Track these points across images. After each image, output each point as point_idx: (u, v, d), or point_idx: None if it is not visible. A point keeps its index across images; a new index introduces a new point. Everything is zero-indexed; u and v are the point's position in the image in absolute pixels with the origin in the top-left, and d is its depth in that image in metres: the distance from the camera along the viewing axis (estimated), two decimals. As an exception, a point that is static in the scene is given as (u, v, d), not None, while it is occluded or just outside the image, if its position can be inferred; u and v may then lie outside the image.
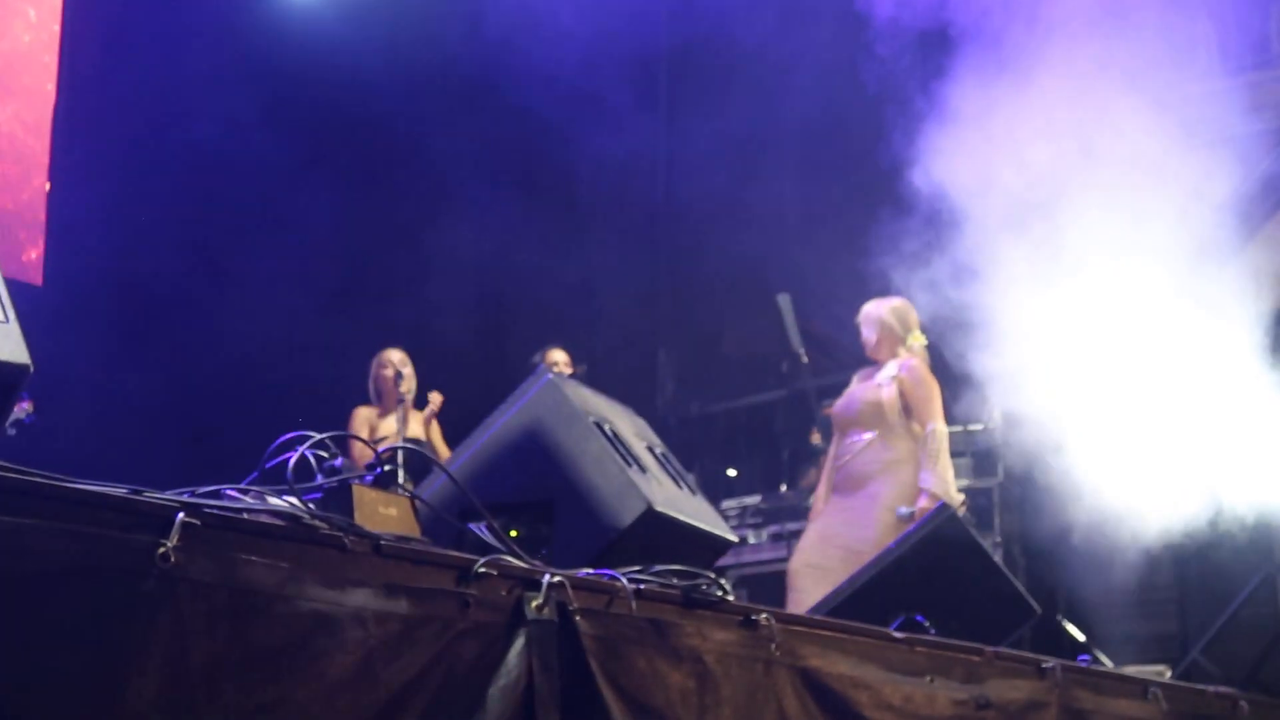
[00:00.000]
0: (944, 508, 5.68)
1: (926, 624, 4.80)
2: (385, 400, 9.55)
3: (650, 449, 4.60)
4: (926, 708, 3.91)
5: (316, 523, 2.69)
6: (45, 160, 10.23)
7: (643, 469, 4.28)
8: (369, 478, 3.16)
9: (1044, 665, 4.50)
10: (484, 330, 12.57)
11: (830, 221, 11.43)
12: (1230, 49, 10.49)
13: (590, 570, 3.23)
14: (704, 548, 4.53)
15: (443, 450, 9.24)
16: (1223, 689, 5.81)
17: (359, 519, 2.93)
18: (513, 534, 3.76)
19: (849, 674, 3.64)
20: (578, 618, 2.96)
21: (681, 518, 4.28)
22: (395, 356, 9.62)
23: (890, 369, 8.20)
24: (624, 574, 3.20)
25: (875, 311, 8.33)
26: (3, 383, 2.68)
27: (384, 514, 3.09)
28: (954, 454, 9.71)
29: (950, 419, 9.69)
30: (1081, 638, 9.49)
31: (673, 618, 3.25)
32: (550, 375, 4.37)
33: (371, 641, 2.61)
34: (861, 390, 8.23)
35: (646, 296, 13.36)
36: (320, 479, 3.03)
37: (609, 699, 2.93)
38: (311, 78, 11.51)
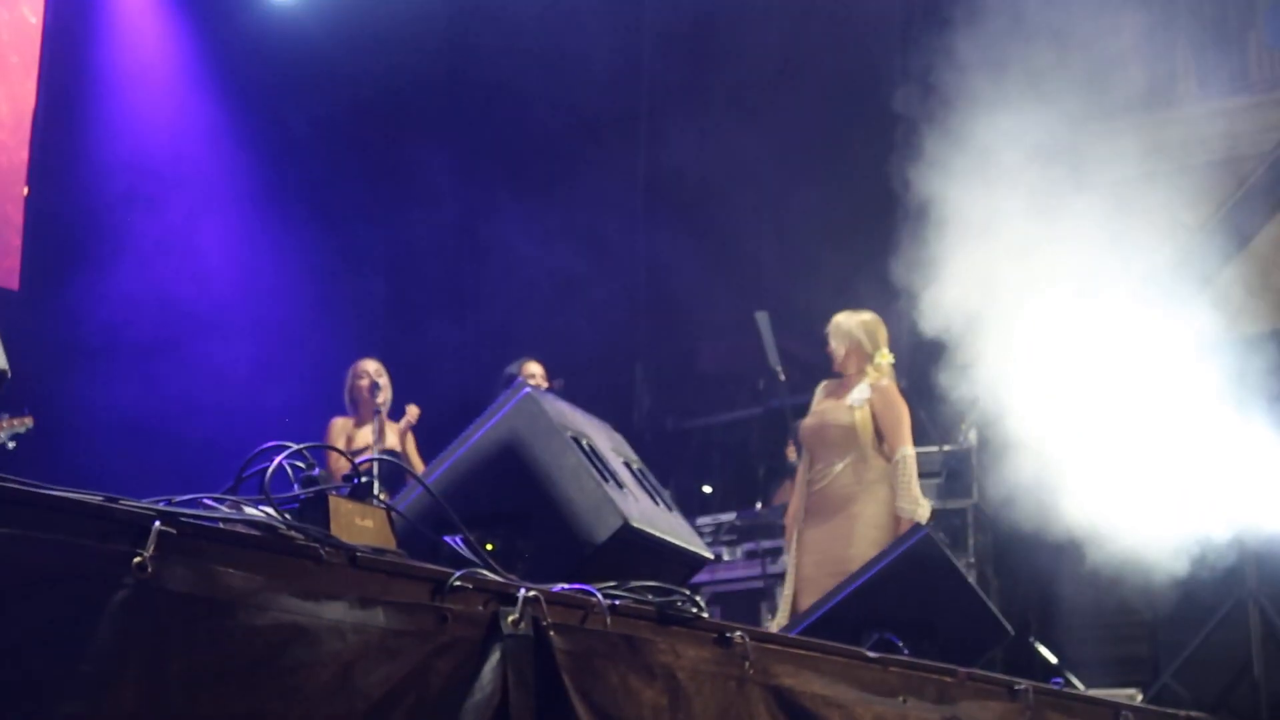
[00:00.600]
0: (918, 528, 5.69)
1: (900, 644, 4.81)
2: (361, 411, 9.53)
3: (627, 464, 4.60)
4: (899, 728, 3.92)
5: (292, 533, 2.68)
6: (24, 165, 10.21)
7: (619, 484, 4.27)
8: (345, 489, 3.16)
9: (1016, 687, 4.51)
10: (460, 344, 12.56)
11: (810, 239, 11.44)
12: (1209, 77, 10.54)
13: (565, 585, 3.22)
14: (679, 564, 4.52)
15: (418, 463, 9.23)
16: (1194, 713, 5.83)
17: (335, 530, 2.92)
18: (488, 547, 3.75)
19: (822, 693, 3.64)
20: (552, 633, 2.96)
21: (657, 534, 4.28)
22: (371, 367, 9.61)
23: (862, 390, 8.16)
24: (599, 589, 3.20)
25: (846, 324, 8.32)
26: (-19, 388, 2.68)
27: (360, 526, 3.09)
28: (929, 474, 9.74)
29: (926, 439, 9.72)
30: (1053, 660, 9.50)
31: (647, 634, 3.25)
32: (528, 389, 4.36)
33: (347, 654, 2.61)
34: (833, 412, 8.19)
35: (623, 311, 13.36)
36: (297, 489, 3.03)
37: (581, 714, 2.92)
38: (290, 84, 11.50)
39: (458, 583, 2.86)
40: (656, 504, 4.57)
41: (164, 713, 2.34)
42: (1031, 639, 9.67)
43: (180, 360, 10.38)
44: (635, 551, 4.16)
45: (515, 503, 4.13)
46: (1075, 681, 8.72)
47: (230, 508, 2.78)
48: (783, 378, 9.42)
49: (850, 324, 8.29)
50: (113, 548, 2.32)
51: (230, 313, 10.87)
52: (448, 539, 3.41)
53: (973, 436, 9.70)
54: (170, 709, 2.35)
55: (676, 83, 13.32)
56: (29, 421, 8.44)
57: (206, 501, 2.78)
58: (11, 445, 8.33)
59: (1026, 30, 7.94)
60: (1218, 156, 10.01)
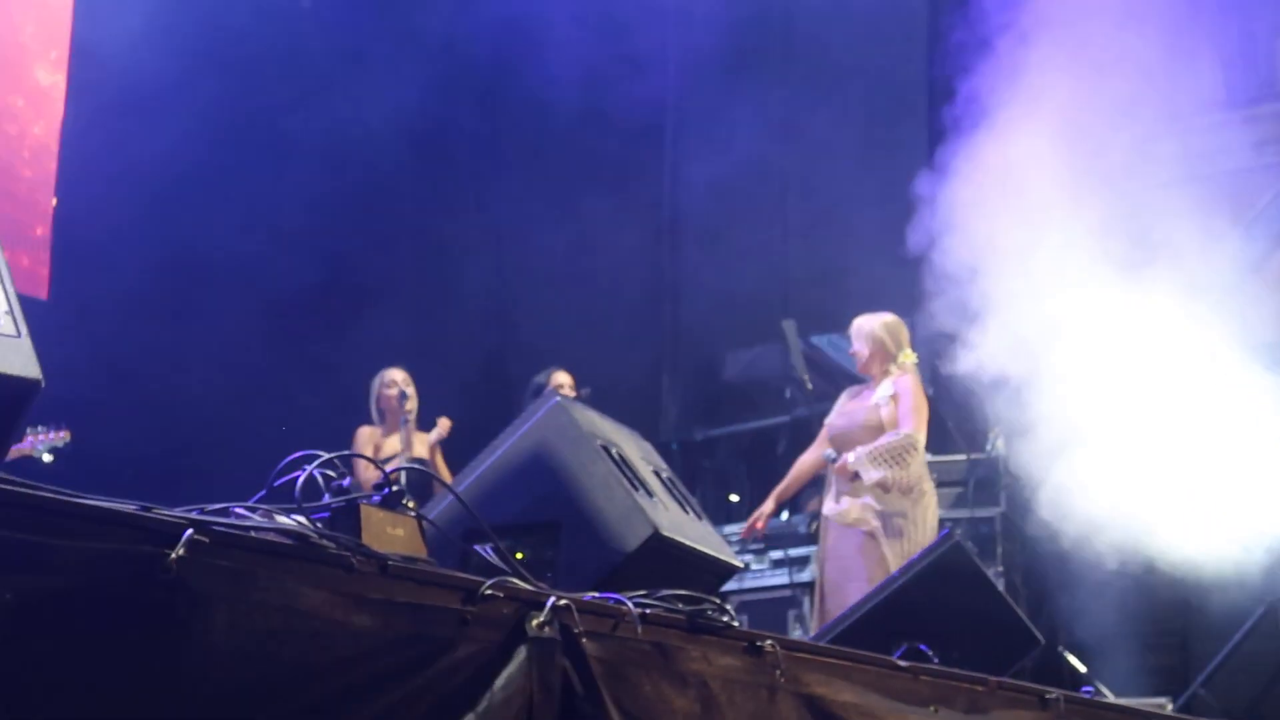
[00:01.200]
0: (948, 536, 5.67)
1: (930, 653, 4.80)
2: (389, 420, 9.54)
3: (656, 473, 4.60)
4: (930, 737, 3.91)
5: (323, 542, 2.68)
6: (53, 176, 10.24)
7: (649, 493, 4.27)
8: (376, 498, 3.16)
9: (1047, 696, 4.48)
10: (488, 354, 12.58)
11: (836, 247, 11.43)
12: (1235, 82, 10.51)
13: (595, 594, 3.22)
14: (709, 573, 4.52)
15: (446, 474, 9.23)
16: (1224, 722, 5.80)
17: (366, 539, 2.92)
18: (518, 556, 3.75)
19: (853, 702, 3.63)
20: (583, 640, 2.96)
21: (687, 542, 4.28)
22: (399, 376, 9.62)
23: (886, 388, 8.21)
24: (629, 598, 3.19)
25: (868, 326, 8.34)
26: (14, 397, 2.68)
27: (391, 534, 3.09)
28: (956, 483, 9.73)
29: (953, 447, 9.70)
30: (1083, 669, 9.46)
31: (678, 642, 3.24)
32: (558, 398, 4.37)
33: (376, 661, 2.61)
34: (860, 411, 8.23)
35: (650, 321, 13.36)
36: (328, 498, 3.03)
37: (616, 721, 2.92)
38: (313, 89, 11.52)
39: (488, 591, 2.86)
40: (686, 512, 4.57)
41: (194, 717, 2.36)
42: (1061, 648, 9.63)
43: (208, 368, 10.40)
44: (665, 560, 4.15)
45: (545, 511, 4.13)
46: (1105, 691, 8.68)
47: (262, 516, 2.78)
48: (809, 386, 9.43)
49: (873, 325, 8.32)
50: (146, 555, 2.33)
51: (259, 321, 10.88)
52: (478, 547, 3.40)
53: (1001, 445, 9.68)
54: (200, 716, 2.36)
55: (702, 91, 13.32)
56: (66, 436, 8.48)
57: (238, 510, 2.79)
58: (49, 459, 8.37)
59: (1055, 37, 7.92)
60: (1252, 163, 9.98)
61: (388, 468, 3.28)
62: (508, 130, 13.02)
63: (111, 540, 2.30)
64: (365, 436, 9.55)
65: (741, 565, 4.95)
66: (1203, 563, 7.81)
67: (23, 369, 2.66)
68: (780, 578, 10.11)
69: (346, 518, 3.02)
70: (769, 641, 3.45)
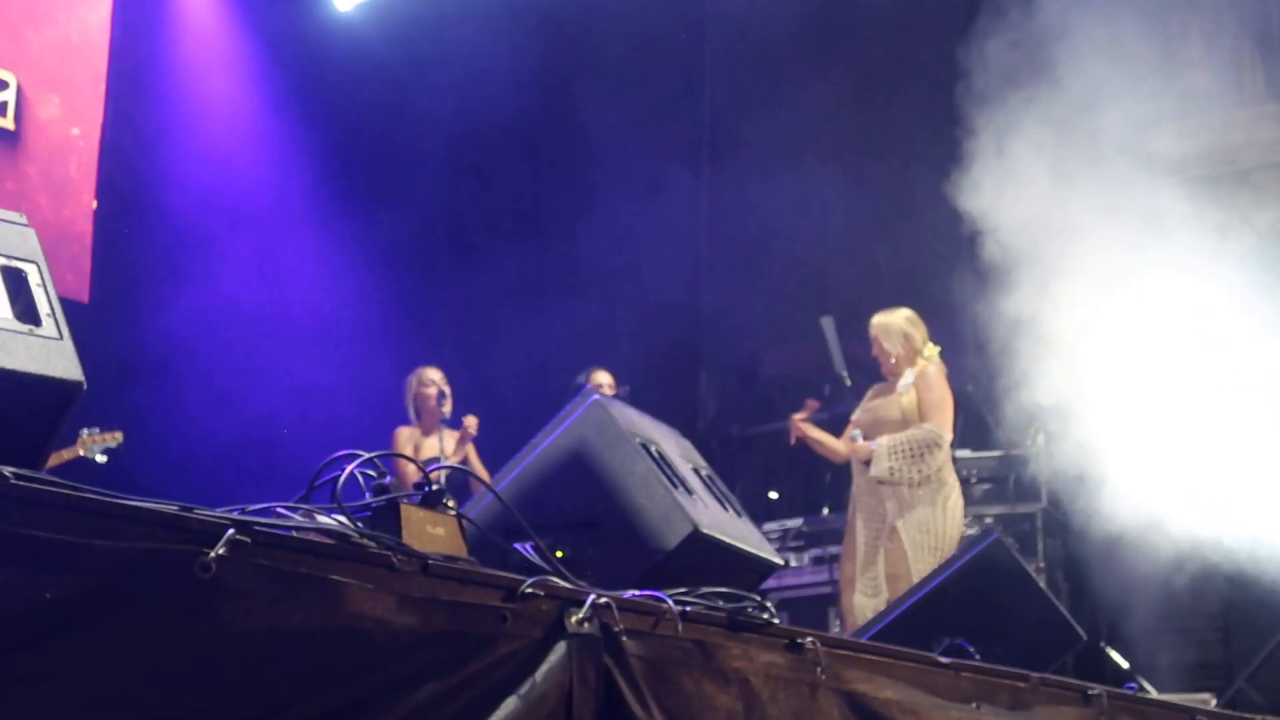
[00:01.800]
0: (988, 531, 5.66)
1: (971, 649, 4.78)
2: (426, 420, 9.56)
3: (696, 471, 4.59)
4: (972, 734, 3.90)
5: (365, 541, 2.69)
6: (93, 178, 10.30)
7: (689, 491, 4.27)
8: (416, 497, 3.17)
9: (1090, 692, 4.47)
10: (528, 352, 12.59)
11: (875, 243, 11.40)
12: (1276, 74, 10.44)
13: (636, 592, 3.22)
14: (749, 570, 4.51)
15: (480, 472, 9.25)
16: (1269, 718, 5.76)
17: (407, 538, 2.93)
18: (558, 554, 3.76)
19: (895, 699, 3.62)
20: (624, 638, 2.96)
21: (727, 540, 4.27)
22: (436, 375, 9.63)
23: (908, 377, 8.22)
24: (670, 595, 3.19)
25: (896, 324, 8.34)
26: (57, 399, 2.69)
27: (431, 533, 3.09)
28: (997, 479, 9.70)
29: (993, 444, 9.67)
30: (1125, 665, 9.42)
31: (718, 640, 3.24)
32: (597, 396, 4.36)
33: (417, 658, 2.62)
34: (884, 408, 8.24)
35: (688, 318, 13.36)
36: (369, 498, 3.04)
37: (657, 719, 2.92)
38: (360, 97, 11.56)
39: (529, 589, 2.86)
40: (726, 510, 4.56)
41: (235, 716, 2.36)
42: (1103, 644, 9.60)
43: (248, 370, 10.44)
44: (705, 558, 4.15)
45: (585, 510, 4.13)
46: (1148, 686, 8.64)
47: (303, 516, 2.79)
48: (848, 383, 9.40)
49: (898, 322, 8.34)
50: (187, 555, 2.33)
51: (299, 324, 10.93)
52: (518, 546, 3.41)
53: (1041, 441, 9.64)
54: (241, 712, 2.37)
55: (739, 90, 13.30)
56: (119, 436, 8.55)
57: (280, 510, 2.79)
58: (102, 459, 8.44)
59: (1089, 34, 7.88)
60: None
61: (431, 468, 3.28)
62: (544, 126, 13.02)
63: (152, 540, 2.30)
64: (404, 437, 9.57)
65: (781, 562, 4.94)
66: (1246, 557, 7.78)
67: (65, 371, 2.68)
68: (820, 575, 10.10)
69: (387, 517, 3.03)
70: (810, 639, 3.45)
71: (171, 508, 2.39)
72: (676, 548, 4.06)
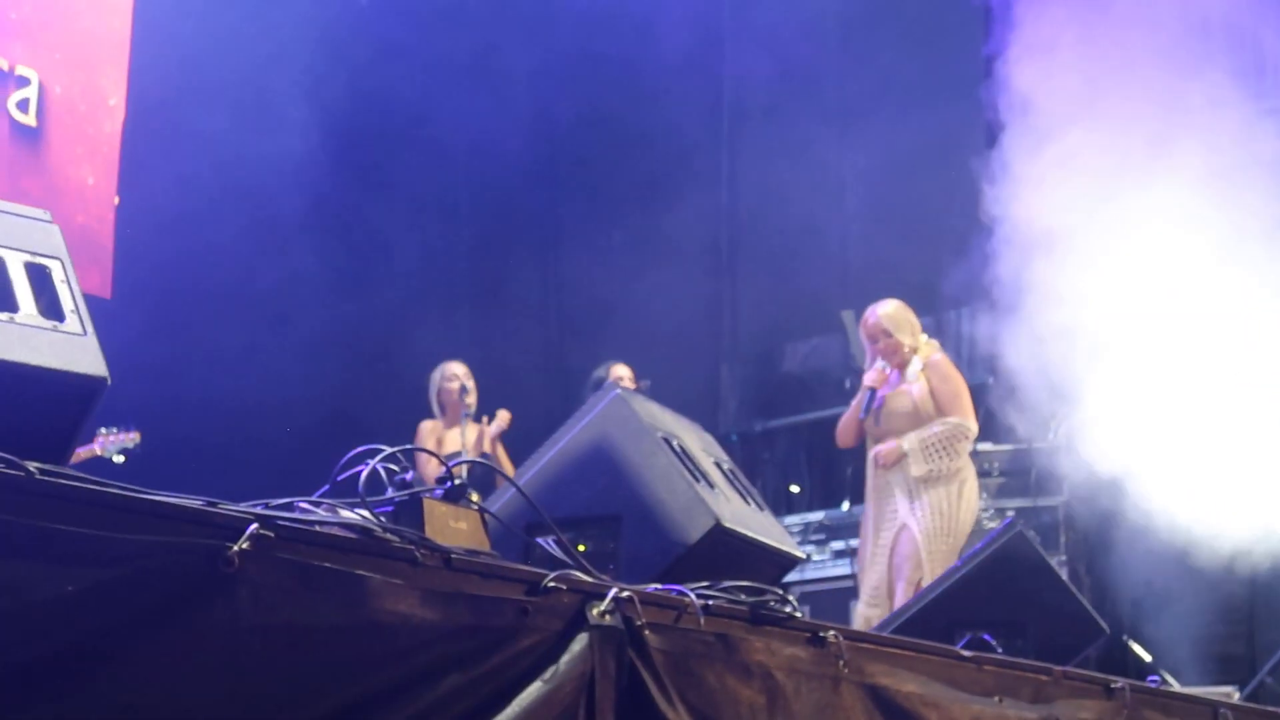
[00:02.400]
0: (1010, 525, 5.65)
1: (993, 643, 4.78)
2: (449, 413, 9.57)
3: (718, 464, 4.60)
4: (995, 727, 3.89)
5: (388, 536, 2.70)
6: (115, 175, 10.32)
7: (710, 485, 4.27)
8: (439, 491, 3.17)
9: (1113, 686, 4.46)
10: (547, 347, 12.62)
11: (896, 236, 11.39)
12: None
13: (658, 585, 3.23)
14: (771, 564, 4.51)
15: (508, 466, 9.26)
16: (1293, 711, 5.75)
17: (429, 532, 2.94)
18: (580, 549, 3.76)
19: (917, 692, 3.63)
20: (646, 632, 2.96)
21: (749, 534, 4.27)
22: (459, 369, 9.64)
23: (915, 365, 8.20)
24: (692, 589, 3.20)
25: (902, 314, 8.32)
26: (81, 395, 2.70)
27: (454, 528, 3.10)
28: (1018, 472, 9.68)
29: (1015, 436, 9.65)
30: (1148, 658, 9.41)
31: (741, 634, 3.24)
32: (618, 390, 4.37)
33: (439, 651, 2.63)
34: (894, 399, 8.22)
35: (709, 313, 13.36)
36: (391, 492, 3.05)
37: (682, 713, 2.92)
38: (382, 88, 11.57)
39: (551, 583, 2.87)
40: (748, 504, 4.57)
41: (257, 710, 2.37)
42: (1125, 637, 9.58)
43: (269, 366, 10.46)
44: (727, 552, 4.16)
45: (607, 504, 4.14)
46: (1171, 680, 8.62)
47: (326, 511, 2.80)
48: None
49: (904, 313, 8.33)
50: (211, 550, 2.34)
51: (319, 319, 10.94)
52: (540, 540, 3.42)
53: (1063, 433, 9.62)
54: (263, 706, 2.38)
55: (758, 84, 13.29)
56: (136, 437, 8.58)
57: (302, 505, 2.81)
58: (119, 460, 8.47)
59: (1114, 22, 7.86)
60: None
61: (453, 463, 3.29)
62: (566, 129, 13.04)
63: (176, 535, 2.32)
64: (427, 430, 9.58)
65: (804, 556, 4.95)
66: (1270, 550, 7.75)
67: (89, 367, 2.69)
68: (842, 568, 10.10)
69: (410, 511, 3.04)
70: (832, 632, 3.45)
71: (196, 502, 2.41)
72: (698, 541, 4.07)
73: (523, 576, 2.87)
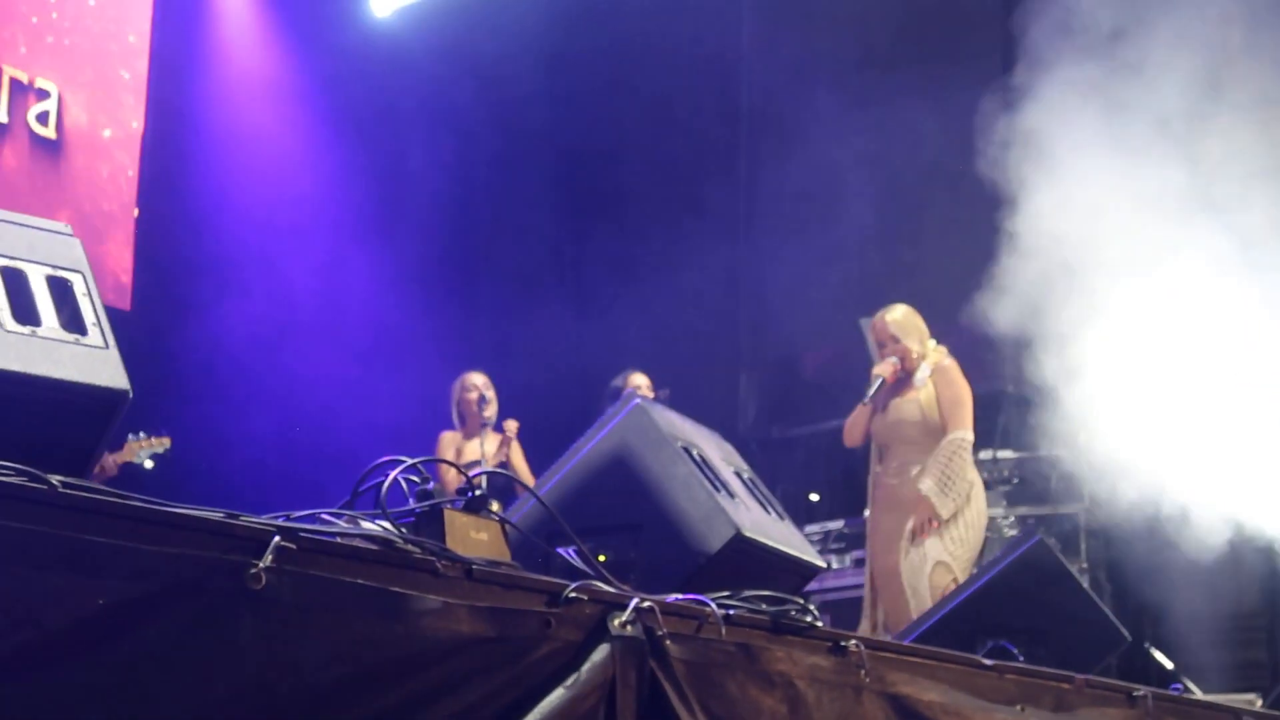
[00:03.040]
0: (1030, 532, 5.64)
1: (1015, 651, 4.77)
2: (469, 424, 9.58)
3: (738, 474, 4.59)
4: (1017, 736, 3.89)
5: (409, 547, 2.70)
6: (134, 186, 10.37)
7: (730, 494, 4.27)
8: (460, 502, 3.18)
9: (1135, 693, 4.45)
10: (565, 355, 12.62)
11: (915, 243, 11.39)
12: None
13: (679, 595, 3.23)
14: (792, 573, 4.51)
15: (525, 474, 9.26)
16: (1316, 718, 5.73)
17: (450, 543, 2.94)
18: (601, 559, 3.76)
19: (939, 701, 3.62)
20: (668, 642, 2.96)
21: (770, 543, 4.27)
22: (479, 380, 9.66)
23: (923, 372, 8.19)
24: (713, 599, 3.20)
25: (911, 320, 8.32)
26: (103, 408, 2.71)
27: (475, 538, 3.10)
28: (1039, 479, 9.66)
29: (1035, 444, 9.62)
30: (1170, 666, 9.38)
31: (762, 643, 3.24)
32: (638, 400, 4.37)
33: (461, 662, 2.63)
34: (903, 407, 8.20)
35: (727, 321, 13.36)
36: (412, 503, 3.05)
37: (703, 723, 2.93)
38: (400, 105, 11.60)
39: (572, 594, 2.87)
40: (768, 513, 4.56)
41: (283, 722, 2.39)
42: (1147, 645, 9.55)
43: (289, 376, 10.49)
44: (748, 561, 4.15)
45: (627, 514, 4.14)
46: (1193, 687, 8.60)
47: (347, 522, 2.80)
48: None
49: (912, 318, 8.32)
50: (233, 563, 2.35)
51: (338, 330, 10.97)
52: (561, 550, 3.42)
53: (1083, 440, 9.60)
54: (288, 718, 2.39)
55: (777, 92, 13.29)
56: (167, 442, 8.61)
57: (324, 516, 2.81)
58: (150, 465, 8.50)
59: (1133, 29, 7.84)
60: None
61: (472, 473, 3.29)
62: (583, 129, 13.03)
63: (199, 547, 2.32)
64: (447, 441, 9.60)
65: (824, 565, 4.94)
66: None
67: (111, 380, 2.70)
68: (862, 577, 10.07)
69: (431, 522, 3.04)
70: (854, 641, 3.45)
71: (217, 515, 2.41)
72: (719, 551, 4.07)
73: (544, 587, 2.87)
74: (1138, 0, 7.83)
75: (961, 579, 7.66)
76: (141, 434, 8.52)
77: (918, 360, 8.25)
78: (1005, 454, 9.93)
